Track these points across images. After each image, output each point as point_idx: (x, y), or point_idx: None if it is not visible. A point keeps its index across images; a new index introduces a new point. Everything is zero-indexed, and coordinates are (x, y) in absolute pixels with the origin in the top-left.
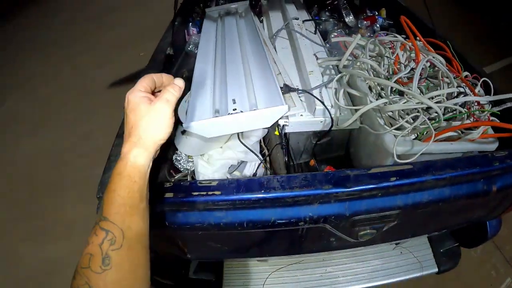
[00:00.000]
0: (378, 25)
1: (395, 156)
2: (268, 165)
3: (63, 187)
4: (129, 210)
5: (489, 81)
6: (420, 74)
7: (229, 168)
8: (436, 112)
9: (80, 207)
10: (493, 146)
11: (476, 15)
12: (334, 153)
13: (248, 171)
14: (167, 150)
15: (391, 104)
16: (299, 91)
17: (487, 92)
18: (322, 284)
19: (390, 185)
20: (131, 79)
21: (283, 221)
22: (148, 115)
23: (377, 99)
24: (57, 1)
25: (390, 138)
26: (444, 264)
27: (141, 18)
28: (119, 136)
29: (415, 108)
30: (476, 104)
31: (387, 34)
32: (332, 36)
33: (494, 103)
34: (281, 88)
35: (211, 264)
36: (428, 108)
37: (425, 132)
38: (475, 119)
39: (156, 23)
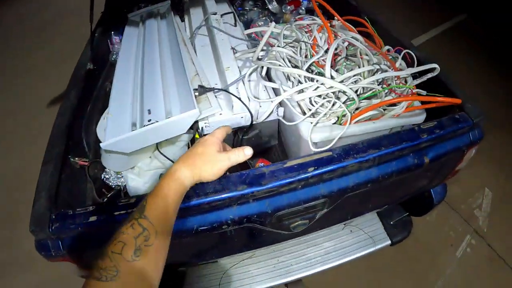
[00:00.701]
0: (303, 8)
1: (310, 144)
2: None
3: (17, 218)
4: (167, 218)
5: (412, 53)
6: (338, 55)
7: (159, 176)
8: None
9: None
10: (421, 118)
11: None
12: (267, 144)
13: None
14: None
15: (301, 92)
16: (215, 90)
17: (413, 65)
18: (277, 274)
19: (308, 176)
20: None
21: (206, 227)
22: (210, 157)
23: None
24: None
25: (306, 126)
26: (396, 235)
27: (76, 29)
28: (46, 163)
29: (328, 93)
30: (396, 79)
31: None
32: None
33: (419, 74)
34: (195, 89)
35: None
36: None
37: (344, 115)
38: (397, 95)
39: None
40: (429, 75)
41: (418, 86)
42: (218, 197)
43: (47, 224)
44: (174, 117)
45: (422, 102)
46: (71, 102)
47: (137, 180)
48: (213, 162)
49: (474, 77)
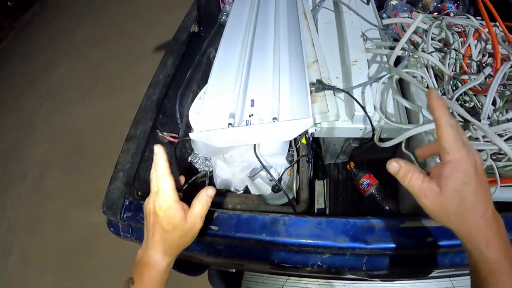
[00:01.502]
0: None
1: None
2: (295, 171)
3: (110, 156)
4: None
5: None
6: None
7: (251, 171)
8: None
9: None
10: None
11: None
12: (378, 154)
13: (274, 173)
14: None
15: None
16: (335, 89)
17: None
18: None
19: (423, 246)
20: None
21: (288, 265)
22: (182, 230)
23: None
24: None
25: None
26: None
27: None
28: (129, 140)
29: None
30: None
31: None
32: (385, 14)
33: None
34: (312, 84)
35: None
36: None
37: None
38: None
39: None
40: None
41: None
42: (313, 243)
43: (119, 210)
44: (281, 123)
45: None
46: (167, 71)
47: (225, 169)
48: (186, 233)
49: None
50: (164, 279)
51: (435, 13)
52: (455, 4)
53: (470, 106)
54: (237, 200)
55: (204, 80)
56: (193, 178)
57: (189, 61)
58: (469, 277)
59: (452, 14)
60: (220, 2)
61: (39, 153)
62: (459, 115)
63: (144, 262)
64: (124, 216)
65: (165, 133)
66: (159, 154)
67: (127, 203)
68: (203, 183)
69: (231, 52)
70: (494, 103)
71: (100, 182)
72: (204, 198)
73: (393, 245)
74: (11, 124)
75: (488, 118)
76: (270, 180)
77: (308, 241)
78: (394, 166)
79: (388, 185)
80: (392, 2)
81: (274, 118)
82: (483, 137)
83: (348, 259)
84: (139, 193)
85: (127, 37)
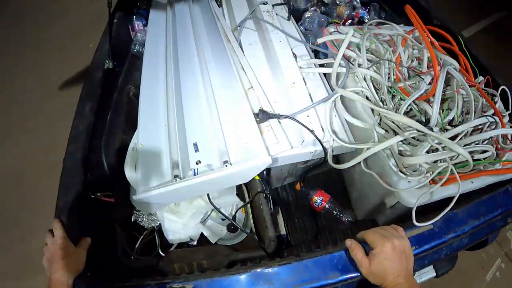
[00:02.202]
0: (358, 0)
1: (414, 217)
2: (250, 209)
3: (32, 213)
4: None
5: (507, 91)
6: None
7: (202, 216)
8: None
9: None
10: None
11: None
12: (323, 168)
13: (226, 213)
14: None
15: (407, 146)
16: (280, 117)
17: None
18: None
19: None
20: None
21: None
22: (73, 258)
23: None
24: None
25: (412, 193)
26: (441, 268)
27: (85, 4)
28: (60, 213)
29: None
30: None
31: (379, 23)
32: (302, 27)
33: None
34: (256, 115)
35: None
36: None
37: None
38: (498, 150)
39: (104, 7)
40: None
41: None
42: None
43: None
44: (239, 166)
45: None
46: (86, 120)
47: (175, 222)
48: (77, 258)
49: None
50: None
51: (359, 25)
52: (367, 10)
53: (412, 114)
54: (201, 255)
55: (128, 123)
56: (140, 238)
57: (107, 102)
58: None
59: (369, 22)
60: (131, 31)
61: None
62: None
63: (52, 284)
64: None
65: (99, 194)
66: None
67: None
68: (153, 240)
69: (155, 90)
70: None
71: (28, 245)
72: (85, 241)
73: None
74: None
75: (436, 124)
76: (223, 220)
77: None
78: (347, 243)
79: (339, 196)
80: (307, 14)
81: (225, 162)
82: (439, 143)
83: None
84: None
85: (28, 74)
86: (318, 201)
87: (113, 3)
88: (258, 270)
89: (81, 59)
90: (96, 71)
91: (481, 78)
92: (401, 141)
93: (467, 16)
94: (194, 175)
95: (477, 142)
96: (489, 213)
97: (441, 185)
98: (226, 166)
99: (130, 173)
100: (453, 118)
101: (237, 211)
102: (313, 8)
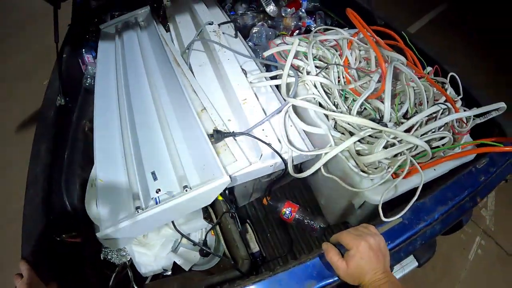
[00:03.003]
0: (303, 10)
1: (381, 213)
2: (219, 231)
3: None
4: None
5: (457, 77)
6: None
7: (173, 245)
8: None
9: None
10: (472, 156)
11: None
12: (288, 180)
13: (195, 237)
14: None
15: (365, 145)
16: (235, 134)
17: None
18: None
19: None
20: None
21: None
22: None
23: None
24: None
25: (376, 190)
26: (422, 257)
27: (35, 42)
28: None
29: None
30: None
31: (325, 30)
32: (251, 43)
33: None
34: (211, 135)
35: None
36: None
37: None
38: (456, 135)
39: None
40: (494, 114)
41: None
42: None
43: None
44: (199, 189)
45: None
46: (43, 162)
47: (146, 254)
48: None
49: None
50: None
51: (306, 34)
52: (313, 19)
53: (367, 113)
54: (176, 285)
55: (87, 159)
56: (113, 276)
57: (63, 140)
58: None
59: (315, 30)
60: (81, 64)
61: None
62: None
63: None
64: None
65: (64, 235)
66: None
67: None
68: (127, 276)
69: (108, 123)
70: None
71: None
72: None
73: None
74: None
75: (390, 119)
76: (194, 245)
77: None
78: (324, 247)
79: (308, 204)
80: (255, 30)
81: (185, 187)
82: (395, 137)
83: None
84: None
85: None
86: (287, 212)
87: (61, 38)
88: None
89: (36, 98)
90: (48, 109)
91: (429, 68)
92: (358, 141)
93: (411, 12)
94: (156, 203)
95: (433, 130)
96: (456, 196)
97: (403, 178)
98: (186, 191)
99: (91, 210)
100: (407, 111)
101: (206, 234)
102: (260, 23)
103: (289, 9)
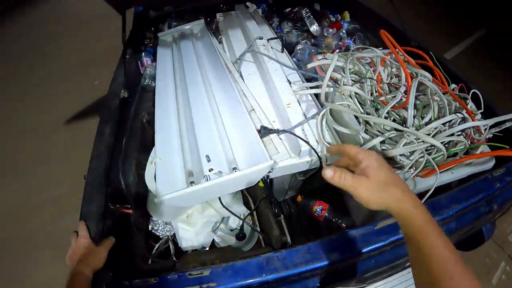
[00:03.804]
0: (344, 31)
1: None
2: (256, 217)
3: (35, 243)
4: None
5: (478, 93)
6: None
7: (213, 226)
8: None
9: (56, 267)
10: (490, 165)
11: None
12: (322, 182)
13: (234, 223)
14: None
15: (388, 145)
16: (279, 132)
17: (476, 103)
18: None
19: (398, 238)
20: (89, 113)
21: None
22: (94, 254)
23: (368, 134)
24: None
25: None
26: None
27: (89, 43)
28: (86, 217)
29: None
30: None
31: (363, 49)
32: (295, 58)
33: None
34: (258, 131)
35: None
36: None
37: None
38: (473, 143)
39: (107, 47)
40: (508, 124)
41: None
42: (309, 267)
43: None
44: (246, 170)
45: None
46: (107, 141)
47: (188, 231)
48: (97, 255)
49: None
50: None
51: (345, 52)
52: (352, 39)
53: (392, 119)
54: (214, 256)
55: (142, 146)
56: (156, 246)
57: (123, 128)
58: None
59: (360, 49)
60: (140, 66)
61: None
62: (394, 128)
63: (73, 275)
64: None
65: (118, 205)
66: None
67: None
68: (168, 249)
69: (167, 115)
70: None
71: (28, 279)
72: (109, 239)
73: (376, 245)
74: None
75: (413, 124)
76: (231, 230)
77: (306, 267)
78: (328, 172)
79: (338, 205)
80: (299, 47)
81: (234, 168)
82: (416, 139)
83: (342, 271)
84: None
85: (33, 107)
86: (318, 210)
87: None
88: (269, 254)
89: (87, 95)
90: (113, 99)
91: (454, 85)
92: (383, 142)
93: (448, 38)
94: (207, 180)
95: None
96: (471, 198)
97: (423, 176)
98: (235, 171)
99: (150, 183)
100: (430, 121)
101: (245, 218)
102: (304, 41)
103: (331, 30)
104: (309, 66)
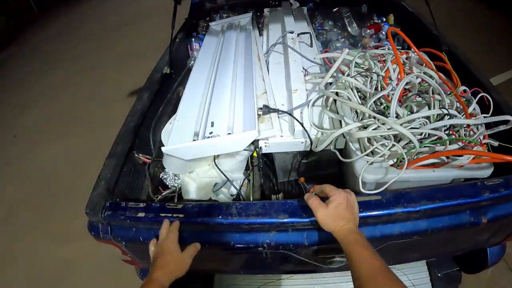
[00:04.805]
0: (383, 33)
1: (360, 184)
2: (252, 184)
3: (80, 193)
4: None
5: (488, 97)
6: (410, 90)
7: (214, 186)
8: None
9: None
10: (486, 173)
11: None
12: (325, 170)
13: (235, 190)
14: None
15: (360, 130)
16: (279, 112)
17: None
18: None
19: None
20: None
21: (242, 245)
22: (177, 261)
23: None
24: (75, 16)
25: (360, 165)
26: None
27: (161, 28)
28: (110, 157)
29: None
30: (465, 126)
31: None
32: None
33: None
34: (260, 108)
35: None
36: None
37: (402, 159)
38: (463, 144)
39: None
40: (501, 127)
41: (492, 135)
42: (259, 220)
43: (101, 210)
44: (233, 135)
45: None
46: (143, 103)
47: (192, 185)
48: (181, 263)
49: None
50: None
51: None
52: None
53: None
54: None
55: (174, 113)
56: (163, 193)
57: (161, 97)
58: None
59: (369, 46)
60: (189, 49)
61: (10, 190)
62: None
63: (150, 281)
64: (105, 214)
65: (140, 154)
66: (175, 224)
67: (108, 204)
68: (172, 198)
69: (196, 88)
70: (412, 111)
71: (73, 218)
72: (195, 248)
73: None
74: None
75: (396, 116)
76: (231, 196)
77: (256, 219)
78: (307, 195)
79: None
80: (335, 45)
81: (229, 133)
82: (389, 129)
83: (291, 235)
84: (117, 199)
85: (99, 81)
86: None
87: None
88: (231, 202)
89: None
90: (156, 73)
91: (463, 87)
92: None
93: (495, 63)
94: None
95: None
96: (448, 200)
97: (398, 168)
98: (229, 135)
99: (164, 138)
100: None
101: (241, 184)
102: (342, 40)
103: (369, 30)
104: (319, 56)
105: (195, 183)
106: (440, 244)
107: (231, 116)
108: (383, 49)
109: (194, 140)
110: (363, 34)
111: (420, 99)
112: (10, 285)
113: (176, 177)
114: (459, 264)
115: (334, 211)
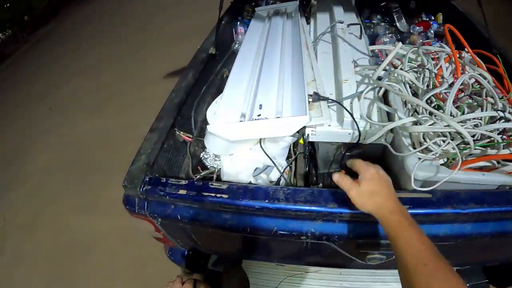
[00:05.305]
0: (432, 31)
1: (412, 181)
2: (293, 172)
3: (112, 168)
4: None
5: None
6: (461, 91)
7: (255, 170)
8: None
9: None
10: None
11: None
12: (368, 159)
13: (274, 175)
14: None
15: (416, 125)
16: (329, 100)
17: None
18: None
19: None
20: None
21: (285, 232)
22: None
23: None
24: None
25: (413, 161)
26: None
27: (203, 12)
28: (152, 131)
29: (444, 131)
30: None
31: (439, 41)
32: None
33: None
34: (310, 95)
35: (230, 260)
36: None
37: (455, 158)
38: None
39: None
40: None
41: None
42: (307, 208)
43: (140, 184)
44: (284, 119)
45: None
46: (188, 81)
47: (232, 167)
48: None
49: None
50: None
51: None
52: (439, 41)
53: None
54: None
55: (218, 94)
56: (202, 173)
57: (205, 77)
58: None
59: (421, 42)
60: (234, 33)
61: (43, 159)
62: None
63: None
64: (144, 188)
65: (182, 132)
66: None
67: (147, 179)
68: (211, 178)
69: (243, 70)
70: (463, 112)
71: (102, 191)
72: None
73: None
74: (17, 130)
75: (450, 114)
76: (271, 182)
77: (303, 206)
78: (335, 175)
79: None
80: (382, 39)
81: (278, 117)
82: (446, 126)
83: (337, 226)
84: (156, 175)
85: (138, 61)
86: None
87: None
88: (278, 187)
89: (188, 57)
90: (201, 53)
91: None
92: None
93: None
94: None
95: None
96: (495, 205)
97: (449, 167)
98: (278, 118)
99: (209, 117)
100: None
101: (283, 171)
102: (390, 35)
103: (418, 27)
104: (371, 47)
105: (235, 165)
106: (478, 252)
107: (280, 100)
108: (437, 47)
109: (241, 121)
110: (411, 31)
111: (471, 100)
112: (37, 252)
113: (216, 158)
114: (488, 276)
115: (367, 188)
